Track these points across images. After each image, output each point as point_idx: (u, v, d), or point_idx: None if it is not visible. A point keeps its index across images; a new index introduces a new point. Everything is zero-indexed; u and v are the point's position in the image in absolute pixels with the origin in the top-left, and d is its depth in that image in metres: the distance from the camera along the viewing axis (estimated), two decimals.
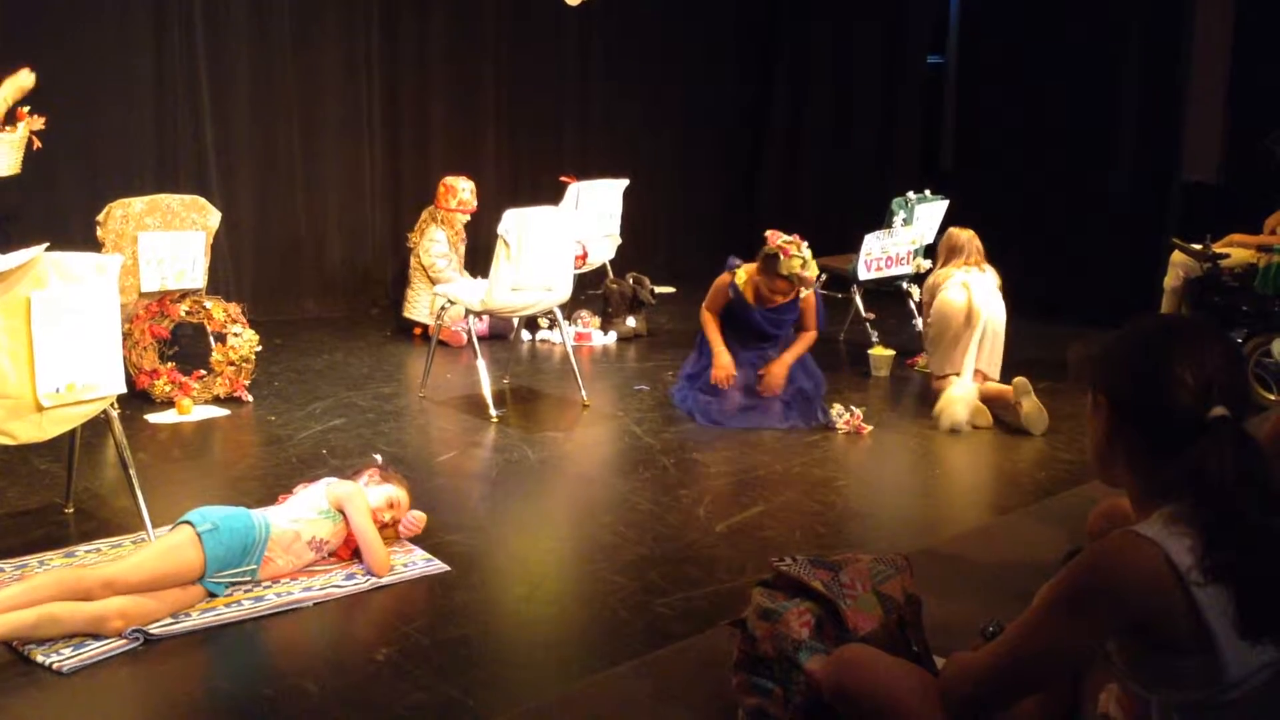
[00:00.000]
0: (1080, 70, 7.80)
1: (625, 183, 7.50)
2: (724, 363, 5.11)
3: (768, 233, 5.07)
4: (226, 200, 6.53)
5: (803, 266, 4.96)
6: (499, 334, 6.64)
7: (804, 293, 5.12)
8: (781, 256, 4.95)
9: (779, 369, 5.11)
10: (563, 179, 7.32)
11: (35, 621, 2.78)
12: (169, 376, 5.13)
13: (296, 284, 7.38)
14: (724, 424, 5.04)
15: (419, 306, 6.73)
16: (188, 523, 3.12)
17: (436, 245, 6.66)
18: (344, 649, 2.91)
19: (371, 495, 3.48)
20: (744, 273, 5.16)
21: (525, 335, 6.59)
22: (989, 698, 1.83)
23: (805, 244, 5.03)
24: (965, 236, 5.47)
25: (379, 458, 3.76)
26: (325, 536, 3.35)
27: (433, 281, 6.54)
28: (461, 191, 6.81)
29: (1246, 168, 7.30)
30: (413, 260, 6.82)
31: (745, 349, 5.23)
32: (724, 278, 5.21)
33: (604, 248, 7.43)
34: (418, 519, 3.61)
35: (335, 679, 2.73)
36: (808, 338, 5.22)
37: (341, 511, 3.38)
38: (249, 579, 3.17)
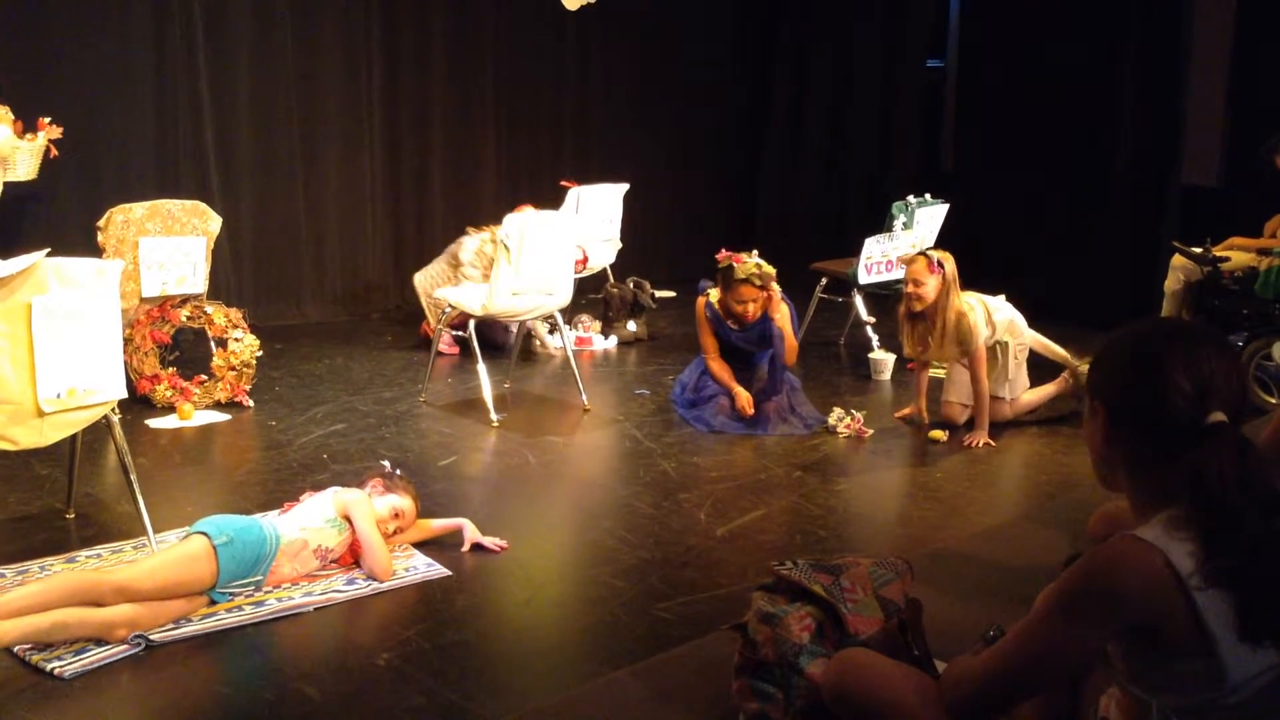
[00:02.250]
0: (1080, 73, 7.81)
1: (625, 187, 7.51)
2: (740, 396, 5.13)
3: (718, 255, 5.14)
4: (227, 205, 6.54)
5: (758, 267, 5.03)
6: (495, 344, 6.47)
7: (777, 299, 5.14)
8: (735, 265, 5.02)
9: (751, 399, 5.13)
10: (563, 183, 7.32)
11: (49, 628, 2.79)
12: (170, 382, 5.13)
13: (297, 289, 7.38)
14: (719, 430, 5.04)
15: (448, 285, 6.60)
16: (203, 533, 3.11)
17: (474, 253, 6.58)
18: (345, 653, 2.92)
19: (377, 505, 3.48)
20: (715, 292, 5.23)
21: (552, 341, 6.56)
22: (990, 702, 1.83)
23: (755, 252, 5.12)
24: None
25: (386, 464, 3.75)
26: (331, 545, 3.35)
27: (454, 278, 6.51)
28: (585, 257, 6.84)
29: (1247, 171, 7.30)
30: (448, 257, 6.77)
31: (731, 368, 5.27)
32: (700, 301, 5.27)
33: (604, 252, 7.43)
34: (496, 543, 3.62)
35: (336, 683, 2.73)
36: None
37: (347, 520, 3.38)
38: (254, 587, 3.17)
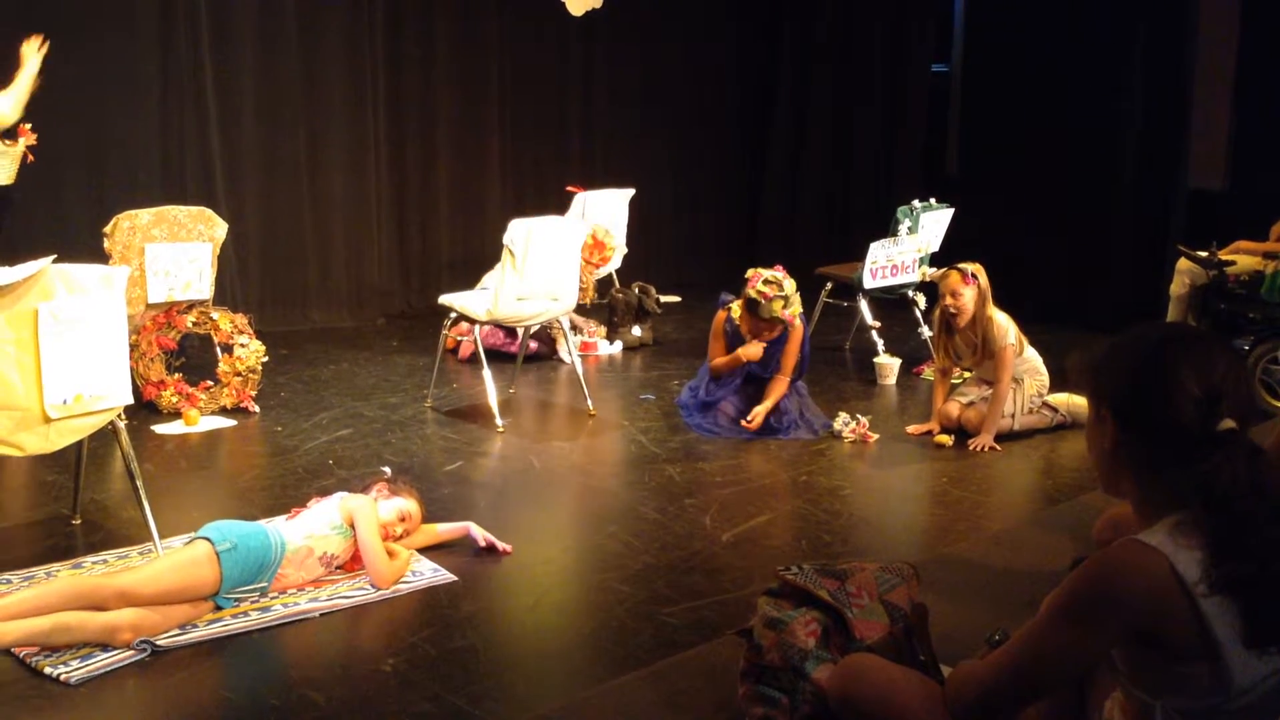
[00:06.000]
0: (1085, 77, 7.80)
1: (631, 192, 7.51)
2: (749, 350, 5.08)
3: (749, 273, 5.10)
4: (233, 211, 6.55)
5: (784, 306, 4.99)
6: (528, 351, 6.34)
7: (795, 322, 5.12)
8: (762, 301, 4.97)
9: (759, 416, 5.06)
10: (569, 189, 7.33)
11: (49, 630, 2.79)
12: (176, 387, 5.14)
13: (303, 294, 7.39)
14: (725, 435, 5.04)
15: None
16: (206, 539, 3.12)
17: None
18: (351, 659, 2.92)
19: (383, 509, 3.48)
20: (737, 307, 5.18)
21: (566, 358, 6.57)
22: (995, 706, 1.82)
23: (787, 278, 5.06)
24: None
25: (387, 470, 3.77)
26: (336, 552, 3.36)
27: None
28: (609, 250, 6.69)
29: (1253, 175, 7.30)
30: None
31: (731, 379, 5.25)
32: (720, 315, 5.24)
33: (612, 258, 7.43)
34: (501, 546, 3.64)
35: (342, 689, 2.73)
36: (781, 384, 5.14)
37: (354, 526, 3.38)
38: (259, 593, 3.18)
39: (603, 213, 7.25)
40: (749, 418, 5.05)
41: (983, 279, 5.03)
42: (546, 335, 6.54)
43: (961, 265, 5.06)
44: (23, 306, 3.12)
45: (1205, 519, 1.65)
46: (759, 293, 4.98)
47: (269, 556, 3.18)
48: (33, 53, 5.04)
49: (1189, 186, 7.56)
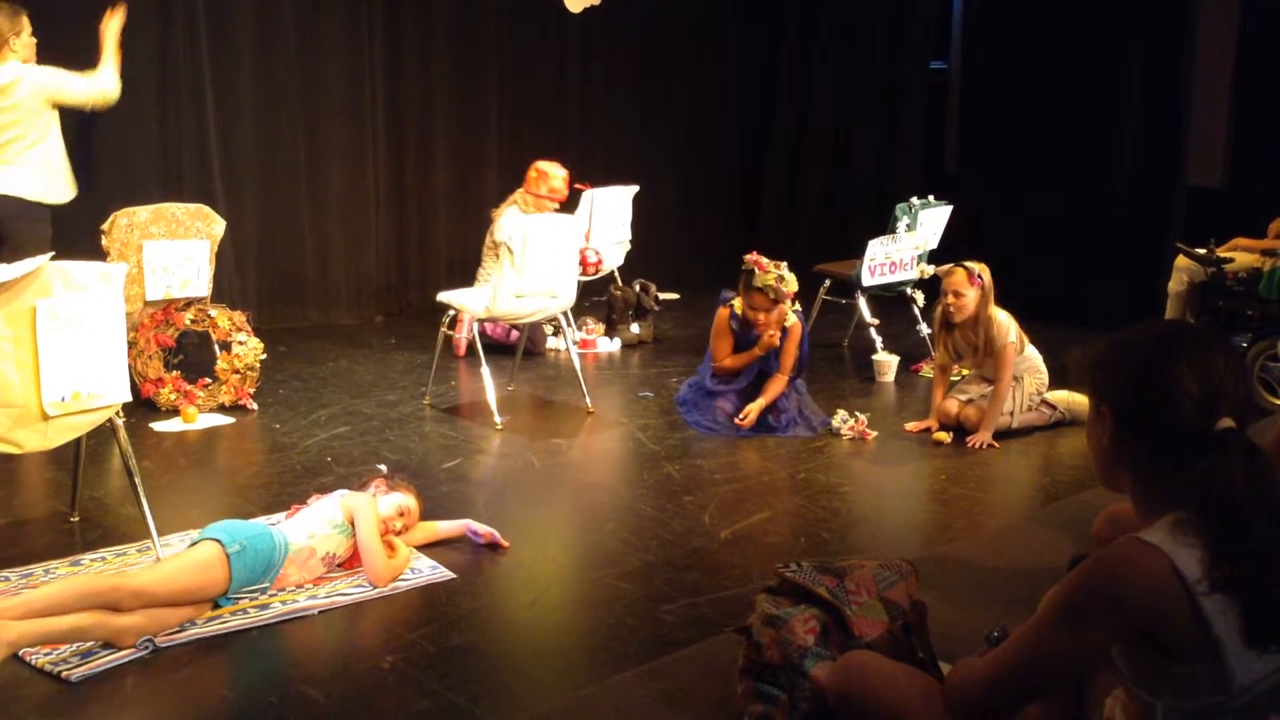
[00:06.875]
0: (1083, 75, 7.80)
1: (636, 189, 7.51)
2: (767, 339, 5.10)
3: (747, 255, 5.13)
4: (231, 209, 6.54)
5: (779, 280, 5.00)
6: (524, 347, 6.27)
7: (790, 320, 5.12)
8: (757, 270, 5.00)
9: (752, 413, 5.06)
10: (577, 186, 7.32)
11: (66, 630, 2.78)
12: (174, 385, 5.13)
13: (301, 292, 7.38)
14: (723, 433, 5.04)
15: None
16: (215, 540, 3.12)
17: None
18: (349, 657, 2.92)
19: (382, 505, 3.48)
20: (739, 303, 5.19)
21: (553, 342, 6.68)
22: (994, 704, 1.83)
23: (784, 265, 5.09)
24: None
25: (384, 467, 3.77)
26: (337, 551, 3.36)
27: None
28: (554, 179, 6.61)
29: (1251, 172, 7.30)
30: (487, 239, 6.59)
31: (739, 378, 5.25)
32: (722, 312, 5.25)
33: (616, 254, 7.43)
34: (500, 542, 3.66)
35: (341, 687, 2.73)
36: (779, 383, 5.14)
37: (354, 524, 3.38)
38: (259, 592, 3.18)
39: (610, 209, 7.23)
40: (742, 414, 5.05)
41: (987, 279, 5.03)
42: (539, 333, 6.54)
43: (968, 264, 5.04)
44: (21, 304, 3.12)
45: (1204, 518, 1.65)
46: (754, 261, 5.03)
47: (274, 557, 3.18)
48: (111, 25, 5.27)
49: (1187, 184, 7.56)
